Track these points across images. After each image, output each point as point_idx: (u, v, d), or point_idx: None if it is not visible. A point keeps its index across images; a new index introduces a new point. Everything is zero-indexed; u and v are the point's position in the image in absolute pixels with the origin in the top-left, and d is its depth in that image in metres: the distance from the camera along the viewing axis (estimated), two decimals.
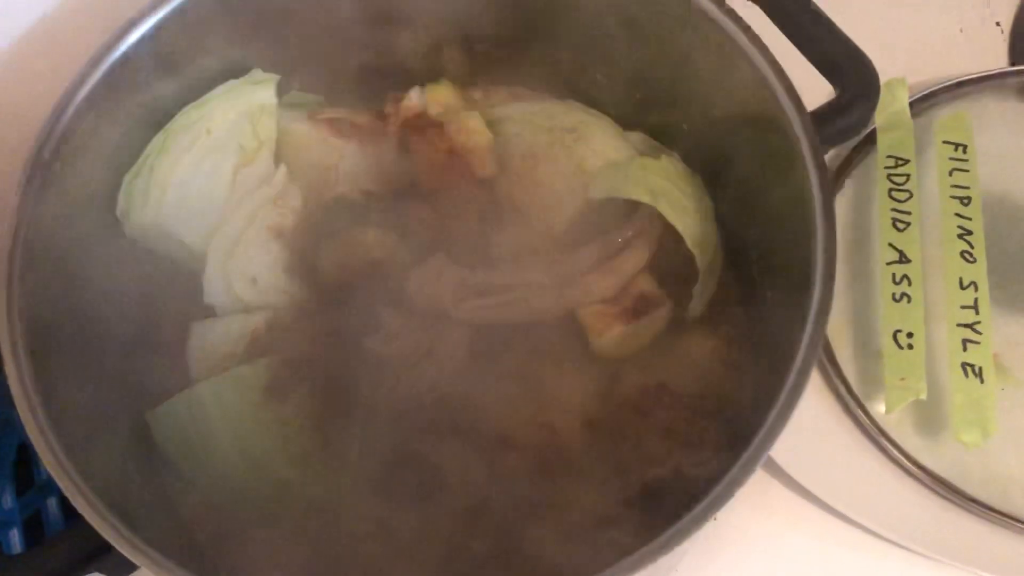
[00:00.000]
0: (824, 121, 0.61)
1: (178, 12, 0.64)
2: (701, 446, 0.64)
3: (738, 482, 0.51)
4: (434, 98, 0.75)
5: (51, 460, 0.53)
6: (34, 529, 0.75)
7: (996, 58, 0.88)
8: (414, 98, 0.74)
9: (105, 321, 0.64)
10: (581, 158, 0.70)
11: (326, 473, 0.64)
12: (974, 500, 0.71)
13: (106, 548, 0.52)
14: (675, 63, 0.67)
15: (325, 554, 0.63)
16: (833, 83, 0.62)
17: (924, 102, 0.84)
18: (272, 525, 0.63)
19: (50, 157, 0.60)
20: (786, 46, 0.63)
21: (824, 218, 0.56)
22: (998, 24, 0.89)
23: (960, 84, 0.84)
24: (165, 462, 0.64)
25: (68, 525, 0.72)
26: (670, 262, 0.68)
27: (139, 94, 0.65)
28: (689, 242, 0.65)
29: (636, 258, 0.68)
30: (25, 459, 0.77)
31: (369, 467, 0.65)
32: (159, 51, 0.65)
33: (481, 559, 0.63)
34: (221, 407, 0.64)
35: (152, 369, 0.67)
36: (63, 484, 0.52)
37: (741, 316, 0.68)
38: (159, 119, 0.68)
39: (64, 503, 0.78)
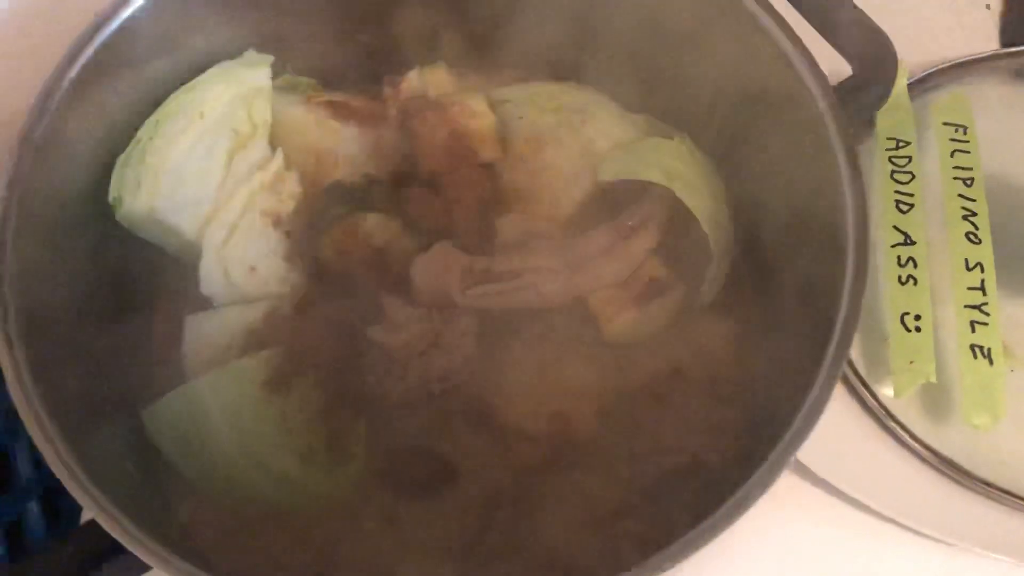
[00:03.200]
0: (841, 99, 0.60)
1: None
2: (718, 433, 0.63)
3: (777, 468, 0.50)
4: (431, 80, 0.73)
5: (53, 458, 0.50)
6: (15, 535, 0.72)
7: (987, 40, 0.88)
8: (413, 80, 0.72)
9: (98, 313, 0.62)
10: (589, 139, 0.69)
11: (332, 468, 0.62)
12: (983, 482, 0.70)
13: (110, 553, 0.49)
14: (685, 41, 0.66)
15: (332, 551, 0.61)
16: (849, 60, 0.62)
17: (919, 85, 0.83)
18: (276, 522, 0.61)
19: (39, 138, 0.58)
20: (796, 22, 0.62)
21: (853, 192, 0.55)
22: (988, 7, 0.89)
23: (953, 67, 0.84)
24: (163, 460, 0.61)
25: (50, 530, 0.69)
26: (681, 245, 0.67)
27: (130, 74, 0.63)
28: (704, 224, 0.64)
29: (646, 241, 0.66)
30: (3, 462, 0.73)
31: (377, 461, 0.63)
32: (151, 29, 0.63)
33: (493, 553, 0.61)
34: (220, 403, 0.61)
35: (146, 364, 0.65)
36: (69, 485, 0.49)
37: (755, 300, 0.67)
38: (151, 100, 0.65)
39: (46, 507, 0.74)
